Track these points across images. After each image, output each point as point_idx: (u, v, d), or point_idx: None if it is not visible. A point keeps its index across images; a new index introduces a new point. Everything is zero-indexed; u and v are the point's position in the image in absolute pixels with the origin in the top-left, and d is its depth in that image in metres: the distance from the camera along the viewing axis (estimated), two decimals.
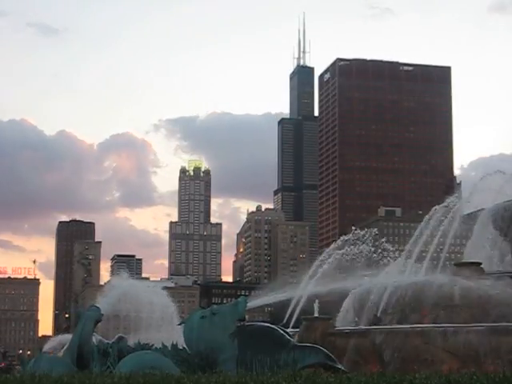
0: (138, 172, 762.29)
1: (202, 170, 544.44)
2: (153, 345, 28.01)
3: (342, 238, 61.35)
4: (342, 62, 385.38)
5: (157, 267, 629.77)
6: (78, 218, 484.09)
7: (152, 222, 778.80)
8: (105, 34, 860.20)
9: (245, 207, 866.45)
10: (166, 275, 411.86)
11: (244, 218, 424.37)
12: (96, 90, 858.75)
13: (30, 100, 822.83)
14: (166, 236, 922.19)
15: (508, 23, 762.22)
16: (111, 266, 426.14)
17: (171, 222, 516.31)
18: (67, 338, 35.78)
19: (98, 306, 31.41)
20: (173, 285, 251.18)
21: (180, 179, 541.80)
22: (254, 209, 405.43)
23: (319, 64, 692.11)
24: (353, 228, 61.87)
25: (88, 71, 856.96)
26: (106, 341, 31.38)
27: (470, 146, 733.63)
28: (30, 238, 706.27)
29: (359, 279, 52.21)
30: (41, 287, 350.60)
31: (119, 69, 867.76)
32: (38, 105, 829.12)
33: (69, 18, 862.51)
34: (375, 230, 62.90)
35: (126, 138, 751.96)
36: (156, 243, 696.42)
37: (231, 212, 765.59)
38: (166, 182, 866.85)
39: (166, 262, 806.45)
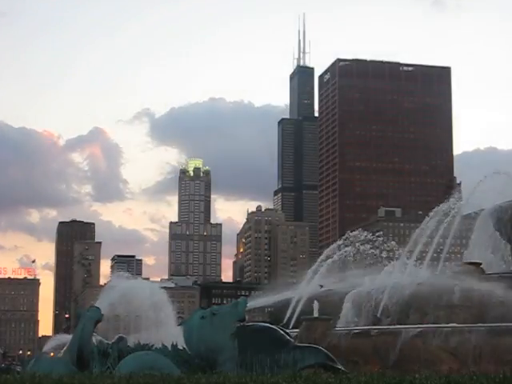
0: (108, 167, 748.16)
1: (202, 170, 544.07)
2: (153, 345, 27.97)
3: (337, 242, 61.61)
4: (342, 63, 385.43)
5: (154, 267, 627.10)
6: (49, 213, 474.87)
7: (128, 218, 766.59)
8: (63, 19, 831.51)
9: (245, 207, 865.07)
10: (163, 275, 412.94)
11: (244, 218, 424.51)
12: (57, 82, 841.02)
13: None
14: (144, 232, 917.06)
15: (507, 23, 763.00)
16: (111, 267, 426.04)
17: (171, 223, 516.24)
18: (67, 338, 35.75)
19: (97, 306, 31.42)
20: (173, 285, 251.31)
21: (180, 179, 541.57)
22: (254, 209, 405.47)
23: (319, 64, 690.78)
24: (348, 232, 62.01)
25: (51, 60, 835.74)
26: (106, 341, 31.36)
27: (469, 145, 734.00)
28: (5, 235, 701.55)
29: (359, 280, 52.22)
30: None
31: (90, 58, 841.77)
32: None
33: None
34: (367, 233, 62.75)
35: (94, 133, 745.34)
36: (139, 240, 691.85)
37: (231, 212, 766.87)
38: (138, 177, 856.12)
39: (147, 260, 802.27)
